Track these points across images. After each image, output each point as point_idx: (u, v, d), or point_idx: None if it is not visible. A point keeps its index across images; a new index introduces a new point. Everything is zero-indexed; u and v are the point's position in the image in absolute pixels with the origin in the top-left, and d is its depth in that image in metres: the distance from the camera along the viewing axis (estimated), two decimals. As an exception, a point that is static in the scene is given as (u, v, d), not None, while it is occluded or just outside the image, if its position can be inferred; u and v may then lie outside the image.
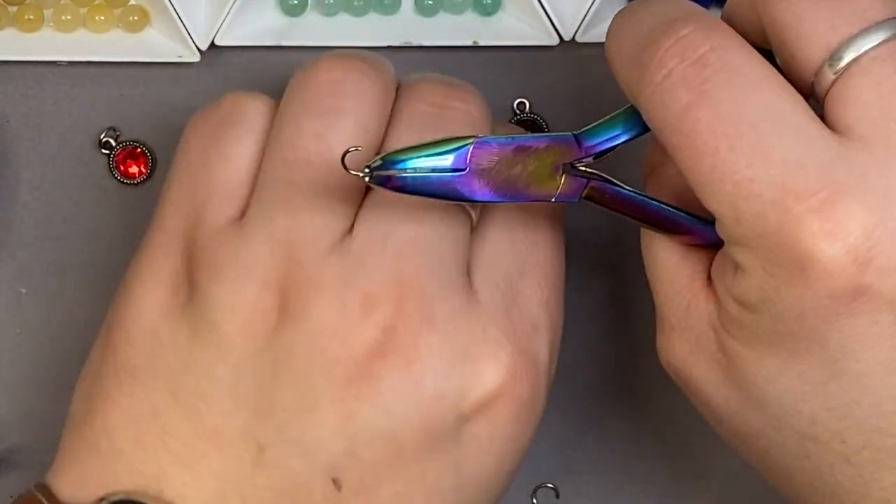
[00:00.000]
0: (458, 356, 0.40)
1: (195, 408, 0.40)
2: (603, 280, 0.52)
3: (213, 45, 0.50)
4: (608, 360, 0.51)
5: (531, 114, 0.51)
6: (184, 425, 0.40)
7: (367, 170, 0.38)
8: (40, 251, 0.51)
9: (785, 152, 0.36)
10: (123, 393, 0.41)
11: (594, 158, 0.40)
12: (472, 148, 0.39)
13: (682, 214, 0.40)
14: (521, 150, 0.39)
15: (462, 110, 0.43)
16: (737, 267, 0.37)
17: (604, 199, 0.40)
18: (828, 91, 0.37)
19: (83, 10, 0.51)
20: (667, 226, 0.41)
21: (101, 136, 0.51)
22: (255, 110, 0.43)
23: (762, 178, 0.36)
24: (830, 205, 0.35)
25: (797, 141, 0.36)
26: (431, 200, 0.39)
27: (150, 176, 0.51)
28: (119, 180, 0.51)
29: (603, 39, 0.50)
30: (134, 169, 0.51)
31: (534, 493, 0.52)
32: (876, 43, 0.36)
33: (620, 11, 0.40)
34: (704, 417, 0.41)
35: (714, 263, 0.40)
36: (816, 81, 0.37)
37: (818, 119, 0.37)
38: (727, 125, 0.36)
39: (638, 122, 0.40)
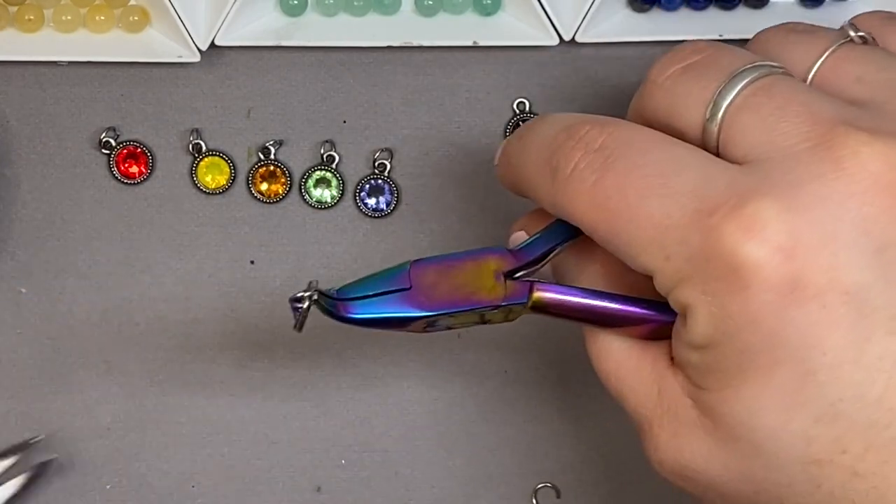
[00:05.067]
0: None
1: None
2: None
3: (213, 45, 0.50)
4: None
5: (531, 114, 0.51)
6: None
7: (315, 295, 0.39)
8: (40, 251, 0.51)
9: (691, 185, 0.37)
10: None
11: (530, 266, 0.41)
12: (410, 269, 0.40)
13: (632, 300, 0.40)
14: (457, 263, 0.40)
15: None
16: (685, 316, 0.38)
17: (551, 303, 0.40)
18: (718, 141, 0.39)
19: (83, 10, 0.51)
20: (618, 320, 0.41)
21: (101, 136, 0.51)
22: None
23: (675, 211, 0.37)
24: (741, 207, 0.37)
25: (699, 173, 0.38)
26: None
27: (149, 176, 0.51)
28: (119, 180, 0.51)
29: (603, 39, 0.50)
30: (134, 169, 0.51)
31: (534, 493, 0.52)
32: (743, 84, 0.39)
33: (516, 133, 0.42)
34: None
35: (672, 343, 0.40)
36: (706, 139, 0.39)
37: (716, 157, 0.39)
38: (633, 181, 0.38)
39: (563, 229, 0.41)
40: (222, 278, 0.51)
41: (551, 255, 0.41)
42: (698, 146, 0.39)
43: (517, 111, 0.51)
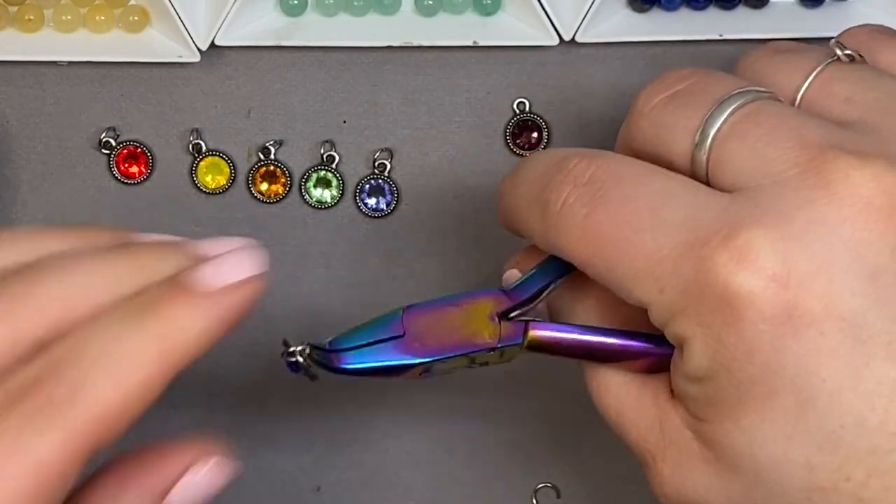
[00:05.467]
0: None
1: None
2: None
3: (213, 45, 0.50)
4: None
5: (531, 113, 0.51)
6: None
7: (302, 350, 0.39)
8: (40, 251, 0.51)
9: (682, 216, 0.37)
10: None
11: (524, 305, 0.40)
12: (403, 315, 0.39)
13: (629, 334, 0.40)
14: (450, 307, 0.40)
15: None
16: (681, 349, 0.38)
17: (547, 342, 0.40)
18: (707, 170, 0.38)
19: (83, 10, 0.51)
20: (616, 355, 0.40)
21: (101, 136, 0.51)
22: None
23: (668, 242, 0.37)
24: (733, 237, 0.36)
25: (690, 204, 0.37)
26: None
27: (149, 176, 0.51)
28: (119, 180, 0.51)
29: (603, 39, 0.50)
30: (134, 169, 0.51)
31: (534, 493, 0.52)
32: (729, 111, 0.38)
33: (509, 173, 0.42)
34: None
35: (671, 375, 0.40)
36: (695, 168, 0.39)
37: (706, 186, 0.38)
38: (625, 214, 0.38)
39: (556, 265, 0.40)
40: (222, 278, 0.51)
41: (546, 293, 0.40)
42: (688, 176, 0.39)
43: (517, 111, 0.51)
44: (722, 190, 0.38)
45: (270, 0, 0.51)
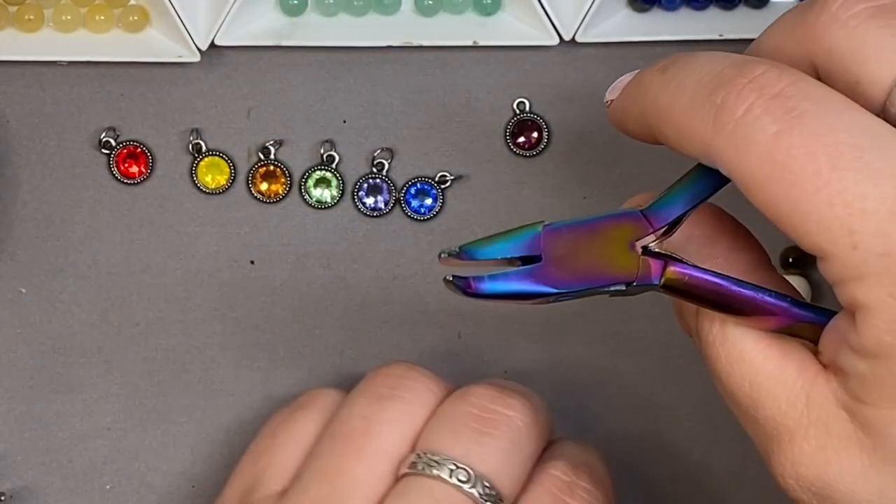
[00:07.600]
0: None
1: None
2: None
3: (213, 45, 0.50)
4: (607, 360, 0.51)
5: (531, 113, 0.51)
6: None
7: (443, 255, 0.38)
8: (40, 251, 0.51)
9: (890, 167, 0.33)
10: None
11: (664, 234, 0.38)
12: (543, 233, 0.37)
13: (764, 290, 0.37)
14: (591, 230, 0.37)
15: (504, 415, 0.43)
16: (855, 314, 0.34)
17: (684, 286, 0.37)
18: None
19: (83, 10, 0.51)
20: (749, 309, 0.37)
21: (101, 136, 0.51)
22: (325, 397, 0.46)
23: (873, 193, 0.33)
24: None
25: None
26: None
27: (149, 176, 0.51)
28: (119, 180, 0.51)
29: (603, 39, 0.50)
30: (134, 169, 0.51)
31: (534, 493, 0.52)
32: None
33: (653, 67, 0.38)
34: None
35: (823, 338, 0.36)
36: (890, 102, 0.35)
37: None
38: (826, 145, 0.33)
39: (703, 183, 0.37)
40: (222, 278, 0.51)
41: (686, 217, 0.37)
42: (875, 111, 0.35)
43: (517, 111, 0.51)
44: None
45: (270, 0, 0.51)
